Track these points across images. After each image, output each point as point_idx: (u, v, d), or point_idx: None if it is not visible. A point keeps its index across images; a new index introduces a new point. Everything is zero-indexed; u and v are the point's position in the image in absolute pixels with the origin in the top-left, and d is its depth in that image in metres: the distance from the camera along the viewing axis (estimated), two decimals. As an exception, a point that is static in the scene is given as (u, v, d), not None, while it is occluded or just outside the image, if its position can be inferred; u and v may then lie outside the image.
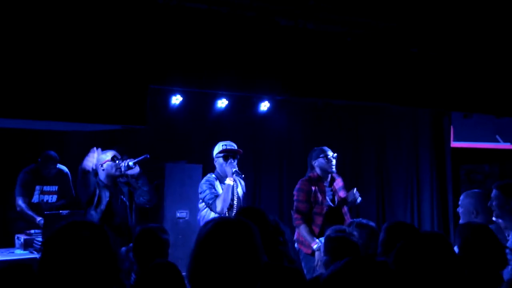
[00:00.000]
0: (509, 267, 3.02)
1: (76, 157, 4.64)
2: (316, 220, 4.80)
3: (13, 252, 4.76)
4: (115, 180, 4.46)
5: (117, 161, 4.42)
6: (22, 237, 4.84)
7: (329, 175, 4.95)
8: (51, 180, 5.72)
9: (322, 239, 4.56)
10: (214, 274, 1.58)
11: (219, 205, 4.43)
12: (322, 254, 3.26)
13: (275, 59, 4.74)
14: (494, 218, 3.63)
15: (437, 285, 1.80)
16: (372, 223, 3.46)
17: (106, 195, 4.36)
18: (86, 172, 4.22)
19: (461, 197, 3.97)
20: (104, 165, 4.42)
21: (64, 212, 4.83)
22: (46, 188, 5.71)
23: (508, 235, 3.51)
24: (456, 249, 2.78)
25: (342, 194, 4.96)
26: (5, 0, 3.70)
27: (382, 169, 7.62)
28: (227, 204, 4.46)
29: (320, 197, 4.80)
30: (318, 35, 4.91)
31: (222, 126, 6.53)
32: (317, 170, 4.91)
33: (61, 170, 5.79)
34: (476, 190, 4.04)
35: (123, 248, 3.50)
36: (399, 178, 7.57)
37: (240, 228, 1.66)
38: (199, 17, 4.37)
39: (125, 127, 4.63)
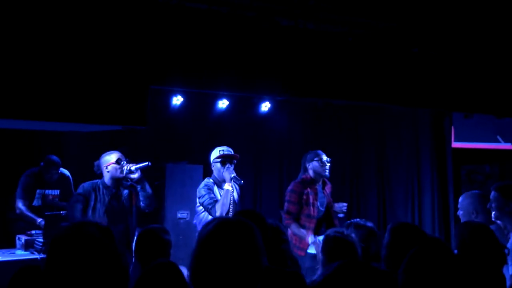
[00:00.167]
0: (509, 267, 3.02)
1: (76, 158, 4.65)
2: (308, 223, 4.86)
3: (14, 253, 4.75)
4: (118, 182, 4.47)
5: (121, 163, 4.43)
6: (23, 238, 4.84)
7: (321, 179, 5.04)
8: (53, 185, 5.72)
9: (320, 237, 4.65)
10: (216, 274, 1.58)
11: (218, 210, 4.48)
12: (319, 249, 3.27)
13: (275, 59, 4.74)
14: (493, 219, 3.64)
15: None
16: (369, 223, 3.44)
17: (106, 197, 4.37)
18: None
19: (460, 199, 3.98)
20: (109, 167, 4.42)
21: (65, 212, 4.83)
22: (48, 192, 5.70)
23: (509, 235, 3.51)
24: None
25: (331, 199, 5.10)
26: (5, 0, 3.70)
27: (383, 169, 7.61)
28: (226, 209, 4.51)
29: (311, 199, 4.88)
30: (319, 35, 4.91)
31: (222, 127, 6.54)
32: (311, 173, 4.99)
33: (63, 174, 5.78)
34: (475, 191, 4.05)
35: None
36: (399, 178, 7.56)
37: (241, 228, 1.66)
38: (200, 17, 4.37)
39: (125, 128, 4.63)
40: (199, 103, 6.00)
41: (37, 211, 5.47)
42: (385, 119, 7.48)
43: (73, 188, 5.74)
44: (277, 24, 4.66)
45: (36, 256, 4.55)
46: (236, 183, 4.77)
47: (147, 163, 4.42)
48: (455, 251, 2.85)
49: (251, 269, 1.60)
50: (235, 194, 4.78)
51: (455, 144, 7.30)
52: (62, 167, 5.79)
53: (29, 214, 5.41)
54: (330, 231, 3.17)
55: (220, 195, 4.62)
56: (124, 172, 4.40)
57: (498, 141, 7.26)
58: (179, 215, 6.04)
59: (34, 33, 3.80)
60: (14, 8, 3.73)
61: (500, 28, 5.08)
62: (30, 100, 3.80)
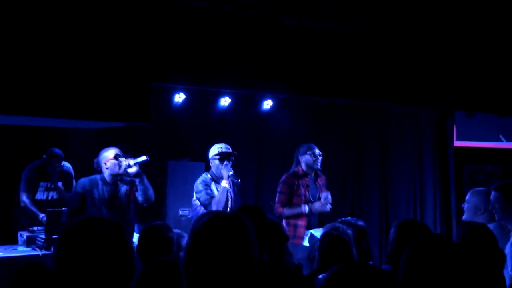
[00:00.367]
0: (508, 267, 3.02)
1: (79, 155, 4.67)
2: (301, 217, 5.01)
3: (16, 249, 4.77)
4: (117, 178, 4.48)
5: (119, 159, 4.44)
6: (25, 234, 4.85)
7: (313, 171, 5.21)
8: (56, 177, 5.72)
9: (312, 231, 4.75)
10: (207, 267, 1.59)
11: (214, 206, 4.58)
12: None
13: (278, 57, 4.74)
14: (497, 220, 3.63)
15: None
16: (360, 222, 3.46)
17: (106, 193, 4.39)
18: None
19: (468, 195, 4.01)
20: (108, 164, 4.44)
21: (66, 209, 4.84)
22: (52, 184, 5.70)
23: (510, 235, 3.50)
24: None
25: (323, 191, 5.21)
26: (9, -3, 3.71)
27: (385, 168, 7.60)
28: (221, 206, 4.61)
29: (302, 190, 5.07)
30: (322, 34, 4.91)
31: (225, 124, 6.54)
32: (303, 166, 5.18)
33: (65, 168, 5.80)
34: (482, 188, 4.07)
35: None
36: (401, 177, 7.55)
37: (234, 223, 1.67)
38: (203, 15, 4.37)
39: (128, 125, 4.65)
40: (202, 100, 6.00)
41: (40, 205, 5.48)
42: (387, 118, 7.47)
43: (74, 182, 5.75)
44: (280, 22, 4.65)
45: (38, 252, 4.57)
46: (234, 181, 4.84)
47: (145, 157, 4.44)
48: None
49: (243, 264, 1.61)
50: (231, 191, 4.86)
51: (458, 143, 7.29)
52: (68, 162, 5.81)
53: (33, 208, 5.42)
54: (327, 228, 3.18)
55: (218, 191, 4.70)
56: (123, 167, 4.42)
57: (501, 141, 7.25)
58: (180, 212, 6.05)
59: (39, 32, 3.80)
60: (19, 7, 3.73)
61: (503, 27, 5.07)
62: (34, 97, 3.80)
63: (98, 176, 4.47)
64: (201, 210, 4.71)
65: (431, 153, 7.47)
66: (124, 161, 4.43)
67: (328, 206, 5.06)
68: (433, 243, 1.85)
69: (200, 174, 4.97)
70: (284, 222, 4.98)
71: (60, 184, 5.70)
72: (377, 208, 7.48)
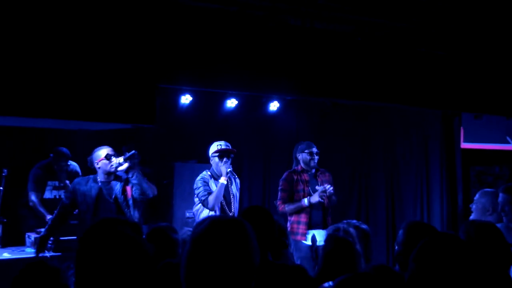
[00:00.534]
0: None
1: (85, 156, 4.68)
2: (303, 213, 5.10)
3: (23, 251, 4.79)
4: (110, 177, 4.51)
5: (111, 159, 4.48)
6: (33, 236, 4.87)
7: (312, 169, 5.31)
8: (63, 176, 5.74)
9: (315, 232, 4.80)
10: (207, 273, 1.57)
11: (211, 201, 4.68)
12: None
13: (284, 58, 4.74)
14: (505, 222, 3.61)
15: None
16: (364, 226, 3.45)
17: (93, 191, 4.41)
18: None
19: (477, 196, 4.01)
20: (100, 163, 4.51)
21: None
22: (60, 183, 5.72)
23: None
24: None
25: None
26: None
27: (392, 169, 7.58)
28: (219, 201, 4.71)
29: (301, 185, 5.21)
30: (327, 35, 4.91)
31: (231, 126, 6.53)
32: (301, 163, 5.30)
33: (72, 167, 5.81)
34: (491, 189, 4.06)
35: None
36: (408, 179, 7.53)
37: (234, 228, 1.64)
38: (208, 16, 4.39)
39: (134, 126, 4.67)
40: (208, 102, 6.00)
41: (48, 205, 5.49)
42: (394, 119, 7.45)
43: None
44: (285, 23, 4.66)
45: (46, 254, 4.58)
46: (232, 178, 4.93)
47: (133, 151, 4.47)
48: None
49: (243, 270, 1.59)
50: (234, 187, 4.96)
51: (465, 145, 7.26)
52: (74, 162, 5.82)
53: (41, 209, 5.43)
54: (330, 231, 3.17)
55: (216, 187, 4.76)
56: (114, 166, 4.46)
57: (508, 142, 7.22)
58: (187, 214, 6.03)
59: (46, 34, 3.83)
60: (25, 8, 3.76)
61: (510, 29, 5.05)
62: (41, 99, 3.83)
63: (92, 175, 4.53)
64: (201, 207, 4.77)
65: (438, 154, 7.45)
66: (115, 160, 4.47)
67: (330, 197, 5.13)
68: (443, 242, 1.85)
69: (205, 174, 4.99)
70: (288, 222, 5.09)
71: (68, 182, 5.71)
72: (384, 209, 7.47)
